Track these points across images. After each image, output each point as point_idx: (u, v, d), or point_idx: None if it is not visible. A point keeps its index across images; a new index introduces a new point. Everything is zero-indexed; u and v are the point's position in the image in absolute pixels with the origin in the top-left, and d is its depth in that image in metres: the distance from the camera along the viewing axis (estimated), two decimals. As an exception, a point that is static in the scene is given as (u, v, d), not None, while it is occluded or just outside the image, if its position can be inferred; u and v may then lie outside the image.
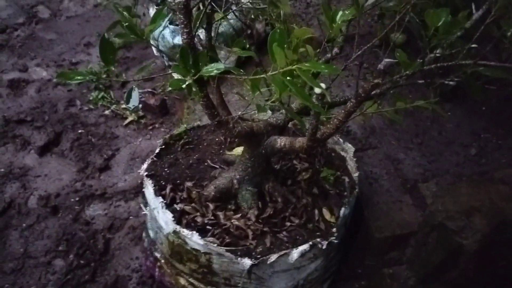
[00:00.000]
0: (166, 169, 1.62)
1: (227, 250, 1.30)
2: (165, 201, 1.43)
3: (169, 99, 3.05)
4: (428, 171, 1.66)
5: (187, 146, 1.73)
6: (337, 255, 1.51)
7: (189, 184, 1.54)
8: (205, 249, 1.32)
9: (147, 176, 1.53)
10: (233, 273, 1.37)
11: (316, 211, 1.47)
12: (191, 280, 1.46)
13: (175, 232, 1.35)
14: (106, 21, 3.84)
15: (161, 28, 2.72)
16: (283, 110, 1.45)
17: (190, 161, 1.67)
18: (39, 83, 3.25)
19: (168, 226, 1.37)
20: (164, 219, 1.39)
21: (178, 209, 1.42)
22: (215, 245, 1.30)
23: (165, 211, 1.39)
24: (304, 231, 1.41)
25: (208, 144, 1.76)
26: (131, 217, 2.40)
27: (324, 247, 1.34)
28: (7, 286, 2.12)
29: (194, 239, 1.32)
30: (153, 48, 3.16)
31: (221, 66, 1.09)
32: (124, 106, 3.01)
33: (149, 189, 1.49)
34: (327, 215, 1.45)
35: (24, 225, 2.38)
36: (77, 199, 2.49)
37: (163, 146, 1.68)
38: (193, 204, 1.45)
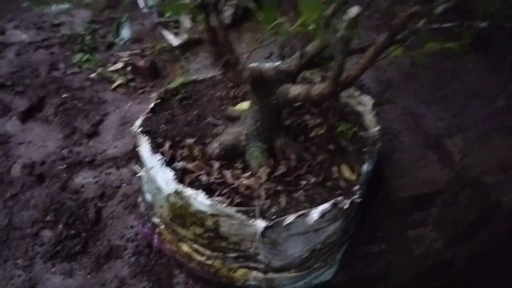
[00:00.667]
0: (162, 126, 1.44)
1: (238, 211, 1.15)
2: (164, 159, 1.26)
3: (159, 62, 2.84)
4: (452, 126, 1.52)
5: (185, 102, 1.55)
6: (356, 217, 1.37)
7: (190, 141, 1.37)
8: (212, 210, 1.16)
9: (142, 132, 1.36)
10: (244, 237, 1.22)
11: (335, 168, 1.32)
12: (195, 246, 1.31)
13: (177, 192, 1.19)
14: (89, -20, 3.55)
15: (150, -19, 2.49)
16: (297, 55, 1.28)
17: (189, 118, 1.49)
18: (18, 46, 3.01)
19: (168, 186, 1.21)
20: (164, 178, 1.22)
21: (179, 167, 1.25)
22: (224, 205, 1.15)
23: (165, 169, 1.22)
24: (322, 190, 1.26)
25: (208, 100, 1.58)
26: (123, 185, 2.24)
27: (346, 206, 1.19)
28: (-9, 260, 1.95)
29: (199, 200, 1.16)
30: (140, 4, 2.92)
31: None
32: (111, 68, 2.80)
33: (144, 146, 1.32)
34: (346, 172, 1.30)
35: (7, 195, 2.20)
36: (64, 166, 2.31)
37: (159, 101, 1.50)
38: (196, 162, 1.29)
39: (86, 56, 2.86)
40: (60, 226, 2.05)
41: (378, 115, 1.44)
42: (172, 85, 1.55)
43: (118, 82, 2.72)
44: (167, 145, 1.32)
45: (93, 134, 2.47)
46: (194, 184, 1.22)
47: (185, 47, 2.48)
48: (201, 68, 2.30)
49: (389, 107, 1.51)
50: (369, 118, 1.48)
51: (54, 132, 2.47)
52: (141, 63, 2.74)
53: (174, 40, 2.43)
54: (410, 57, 1.33)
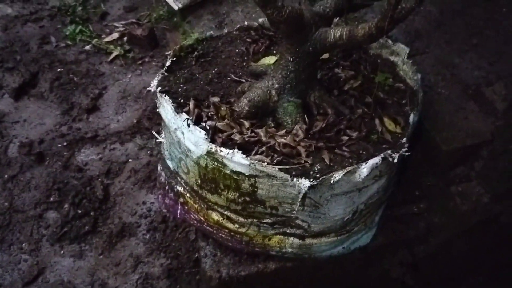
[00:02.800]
0: (181, 85, 1.30)
1: (280, 169, 1.02)
2: (191, 118, 1.12)
3: (157, 30, 2.67)
4: (491, 74, 1.41)
5: (203, 59, 1.41)
6: (396, 175, 1.27)
7: (215, 99, 1.24)
8: (251, 170, 1.04)
9: (161, 92, 1.22)
10: (283, 200, 1.11)
11: (377, 122, 1.20)
12: (227, 213, 1.19)
13: (209, 153, 1.06)
14: None
15: None
16: (332, -4, 1.14)
17: (210, 76, 1.36)
18: (4, 21, 2.80)
19: (199, 148, 1.08)
20: (193, 139, 1.09)
21: (208, 127, 1.12)
22: (265, 164, 1.02)
23: (195, 128, 1.09)
24: (367, 144, 1.14)
25: (228, 56, 1.44)
26: (130, 160, 2.11)
27: (396, 160, 1.08)
28: (-5, 244, 1.82)
29: (236, 159, 1.03)
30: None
31: None
32: (107, 39, 2.62)
33: (166, 106, 1.18)
34: (390, 125, 1.19)
35: (6, 176, 2.05)
36: (65, 144, 2.17)
37: (174, 59, 1.36)
38: (226, 121, 1.16)
39: (79, 28, 2.67)
40: (66, 206, 1.92)
41: (415, 64, 1.33)
42: (187, 42, 1.40)
43: (115, 53, 2.55)
44: (191, 104, 1.18)
45: (92, 109, 2.31)
46: (227, 144, 1.09)
47: (186, 11, 2.32)
48: (206, 31, 2.14)
49: (420, 58, 1.40)
50: (405, 68, 1.36)
51: (51, 108, 2.31)
52: (139, 32, 2.56)
53: (175, 4, 2.26)
54: (438, 5, 1.21)
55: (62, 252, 1.81)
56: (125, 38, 2.61)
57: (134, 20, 2.75)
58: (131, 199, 1.93)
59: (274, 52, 1.48)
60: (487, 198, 1.29)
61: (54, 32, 2.73)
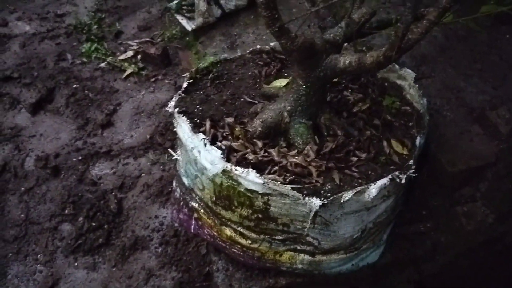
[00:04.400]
0: (197, 106, 1.36)
1: (292, 189, 1.08)
2: (207, 138, 1.18)
3: (170, 49, 2.76)
4: (495, 98, 1.46)
5: (217, 81, 1.48)
6: (404, 194, 1.31)
7: (230, 120, 1.30)
8: (264, 189, 1.09)
9: (179, 112, 1.28)
10: (295, 218, 1.16)
11: (385, 143, 1.25)
12: (240, 229, 1.24)
13: (225, 171, 1.12)
14: (90, -31, 3.44)
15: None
16: (342, 24, 1.21)
17: (224, 97, 1.42)
18: (22, 38, 2.90)
19: (215, 166, 1.14)
20: (209, 158, 1.15)
21: (223, 146, 1.18)
22: (278, 183, 1.08)
23: (211, 148, 1.15)
24: (376, 166, 1.19)
25: (241, 79, 1.51)
26: (143, 175, 2.16)
27: (403, 181, 1.13)
28: (10, 255, 1.87)
29: (250, 178, 1.09)
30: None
31: None
32: (121, 57, 2.71)
33: (183, 126, 1.24)
34: (398, 147, 1.24)
35: (22, 189, 2.11)
36: (80, 158, 2.23)
37: (191, 81, 1.43)
38: (240, 141, 1.22)
39: (94, 46, 2.76)
40: (81, 219, 1.97)
41: (421, 88, 1.38)
42: (202, 64, 1.47)
43: (129, 71, 2.63)
44: (208, 124, 1.25)
45: (107, 124, 2.38)
46: (242, 163, 1.15)
47: (199, 32, 2.40)
48: (219, 52, 2.22)
49: (426, 82, 1.45)
50: (411, 91, 1.42)
51: (67, 123, 2.38)
52: (152, 50, 2.65)
53: (188, 25, 2.35)
54: (443, 31, 1.27)
55: (76, 264, 1.86)
56: (139, 56, 2.70)
57: (147, 39, 2.84)
58: (144, 213, 1.98)
59: (285, 75, 1.55)
60: (492, 219, 1.33)
61: (70, 50, 2.82)
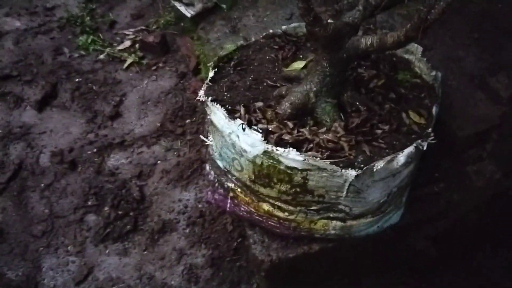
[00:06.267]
0: (225, 93, 1.45)
1: (331, 163, 1.19)
2: (244, 123, 1.28)
3: (167, 36, 2.78)
4: (493, 64, 1.60)
5: (239, 68, 1.56)
6: (420, 160, 1.45)
7: (259, 104, 1.39)
8: (304, 165, 1.20)
9: (212, 101, 1.37)
10: (330, 188, 1.28)
11: (404, 115, 1.38)
12: (277, 203, 1.36)
13: (266, 152, 1.22)
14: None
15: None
16: (360, 7, 1.31)
17: (248, 83, 1.50)
18: (15, 34, 2.87)
19: (255, 148, 1.24)
20: (249, 141, 1.24)
21: (260, 129, 1.27)
22: (318, 159, 1.19)
23: (251, 132, 1.24)
24: (399, 136, 1.32)
25: (260, 63, 1.59)
26: (159, 162, 2.25)
27: (425, 148, 1.26)
28: (41, 249, 1.95)
29: (291, 156, 1.19)
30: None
31: None
32: (120, 47, 2.72)
33: (218, 114, 1.33)
34: (415, 117, 1.37)
35: (42, 185, 2.17)
36: (94, 150, 2.29)
37: (216, 70, 1.50)
38: (274, 123, 1.31)
39: (90, 37, 2.76)
40: (106, 208, 2.05)
41: (429, 62, 1.50)
42: (223, 52, 1.55)
43: (129, 61, 2.66)
44: (242, 110, 1.34)
45: (115, 115, 2.43)
46: (280, 143, 1.25)
47: (198, 17, 2.44)
48: (222, 37, 2.28)
49: (429, 54, 1.57)
50: (420, 65, 1.54)
51: (75, 117, 2.42)
52: (151, 39, 2.68)
53: (186, 11, 2.38)
54: None
55: (107, 252, 1.95)
56: (137, 45, 2.72)
57: (143, 27, 2.85)
58: (167, 197, 2.08)
59: (301, 56, 1.64)
60: (499, 175, 1.48)
61: (66, 43, 2.81)
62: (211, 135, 1.47)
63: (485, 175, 1.49)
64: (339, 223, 1.41)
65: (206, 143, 1.47)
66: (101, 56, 2.71)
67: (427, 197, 1.55)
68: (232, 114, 1.35)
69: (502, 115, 1.47)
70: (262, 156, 1.24)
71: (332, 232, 1.43)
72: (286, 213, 1.38)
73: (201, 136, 1.47)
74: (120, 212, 2.03)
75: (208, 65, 1.61)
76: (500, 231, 1.69)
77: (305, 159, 1.19)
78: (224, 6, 1.19)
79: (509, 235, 1.69)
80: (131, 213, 2.03)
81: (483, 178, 1.49)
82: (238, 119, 1.29)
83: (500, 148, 1.49)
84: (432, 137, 1.29)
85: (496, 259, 1.79)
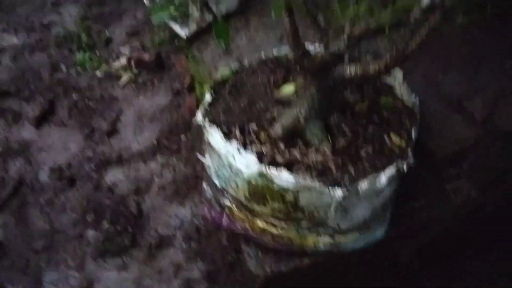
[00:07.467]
0: (221, 115, 1.55)
1: (320, 183, 1.29)
2: (241, 145, 1.37)
3: (161, 53, 2.88)
4: (469, 89, 1.73)
5: (233, 91, 1.66)
6: (402, 178, 1.56)
7: (253, 126, 1.49)
8: (296, 185, 1.30)
9: (209, 122, 1.46)
10: (319, 207, 1.38)
11: (386, 137, 1.49)
12: (271, 220, 1.45)
13: (261, 173, 1.32)
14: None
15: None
16: (345, 37, 1.42)
17: (242, 105, 1.60)
18: (12, 51, 2.95)
19: (250, 169, 1.33)
20: (244, 162, 1.34)
21: (254, 151, 1.37)
22: (307, 179, 1.29)
23: (246, 154, 1.34)
24: (381, 157, 1.43)
25: (253, 87, 1.69)
26: (155, 177, 2.33)
27: (405, 169, 1.37)
28: (43, 265, 2.01)
29: (284, 177, 1.29)
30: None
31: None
32: (116, 64, 2.81)
33: (215, 135, 1.42)
34: (396, 139, 1.48)
35: (42, 201, 2.24)
36: (92, 166, 2.36)
37: (212, 93, 1.60)
38: (267, 145, 1.41)
39: (87, 54, 2.85)
40: (105, 224, 2.12)
41: (409, 86, 1.62)
42: (220, 77, 1.65)
43: (125, 78, 2.75)
44: (237, 132, 1.43)
45: (112, 132, 2.51)
46: (272, 164, 1.35)
47: (193, 37, 2.54)
48: (216, 57, 2.38)
49: (410, 77, 1.69)
50: (402, 90, 1.65)
51: (73, 134, 2.49)
52: (146, 57, 2.77)
53: (182, 32, 2.48)
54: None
55: (106, 266, 2.02)
56: (133, 63, 2.81)
57: (138, 45, 2.94)
58: (163, 213, 2.16)
59: (291, 79, 1.74)
60: (474, 193, 1.60)
61: (63, 59, 2.89)
62: (207, 155, 1.56)
63: (462, 192, 1.61)
64: (328, 239, 1.51)
65: (201, 160, 1.56)
66: (98, 73, 2.80)
67: (409, 212, 1.66)
68: (228, 135, 1.45)
69: (477, 136, 1.59)
70: (256, 176, 1.34)
71: (322, 247, 1.53)
72: (279, 229, 1.47)
73: (198, 155, 1.56)
74: (118, 227, 2.10)
75: (204, 87, 1.71)
76: (477, 241, 1.81)
77: (296, 180, 1.29)
78: (222, 43, 1.29)
79: (486, 243, 1.81)
80: (129, 228, 2.10)
81: (461, 195, 1.60)
82: (234, 140, 1.39)
83: (475, 167, 1.61)
84: (411, 159, 1.40)
85: (475, 267, 1.92)
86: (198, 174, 2.23)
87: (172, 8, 2.03)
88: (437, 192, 1.63)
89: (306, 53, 1.25)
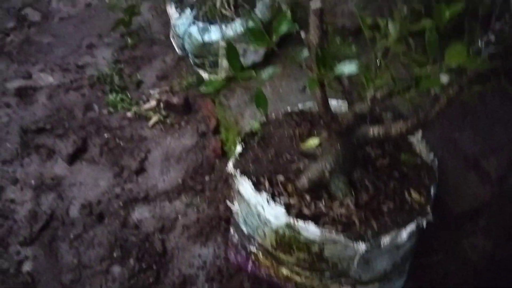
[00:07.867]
0: (250, 166, 1.66)
1: (345, 237, 1.38)
2: (270, 196, 1.48)
3: (189, 97, 3.04)
4: (485, 147, 1.82)
5: (262, 142, 1.78)
6: (421, 233, 1.64)
7: (281, 178, 1.60)
8: (321, 237, 1.39)
9: (241, 173, 1.58)
10: (343, 258, 1.46)
11: (406, 193, 1.58)
12: (295, 269, 1.53)
13: (288, 225, 1.42)
14: (103, 21, 3.73)
15: (186, 26, 2.71)
16: (368, 99, 1.54)
17: (270, 157, 1.72)
18: (48, 90, 3.13)
19: (278, 220, 1.43)
20: (273, 213, 1.44)
21: (283, 202, 1.48)
22: (333, 233, 1.38)
23: (275, 205, 1.44)
24: (402, 213, 1.52)
25: (280, 139, 1.81)
26: (180, 217, 2.42)
27: (424, 225, 1.46)
28: (70, 299, 2.09)
29: (311, 230, 1.39)
30: (175, 46, 3.11)
31: (352, 67, 1.15)
32: (146, 106, 2.97)
33: (246, 186, 1.53)
34: (416, 196, 1.57)
35: (71, 235, 2.33)
36: (120, 204, 2.47)
37: (243, 144, 1.73)
38: (294, 197, 1.52)
39: (119, 96, 3.02)
40: (131, 260, 2.20)
41: (428, 144, 1.73)
42: (251, 129, 1.78)
43: (154, 119, 2.90)
44: (266, 183, 1.54)
45: (140, 170, 2.63)
46: (299, 216, 1.45)
47: (221, 85, 2.69)
48: (241, 104, 2.52)
49: (428, 134, 1.79)
50: (420, 147, 1.76)
51: (103, 171, 2.62)
52: (175, 100, 2.93)
53: (210, 78, 2.65)
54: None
55: (131, 303, 2.09)
56: (162, 105, 2.97)
57: (167, 88, 3.12)
58: (187, 252, 2.24)
59: (315, 132, 1.86)
60: (490, 248, 1.67)
61: (96, 100, 3.06)
62: (236, 202, 1.66)
63: (478, 247, 1.68)
64: (349, 288, 1.58)
65: (226, 202, 1.67)
66: (128, 114, 2.95)
67: (427, 265, 1.72)
68: (256, 185, 1.55)
69: (492, 194, 1.68)
70: (284, 227, 1.44)
71: (343, 295, 1.60)
72: (303, 278, 1.55)
73: (227, 202, 1.66)
74: (143, 265, 2.19)
75: (229, 131, 1.83)
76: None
77: (322, 233, 1.38)
78: (262, 111, 1.41)
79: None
80: (154, 266, 2.18)
81: (477, 250, 1.67)
82: (263, 191, 1.50)
83: (491, 224, 1.68)
84: (430, 215, 1.49)
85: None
86: (221, 215, 2.32)
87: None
88: (454, 247, 1.70)
89: (335, 118, 1.37)
